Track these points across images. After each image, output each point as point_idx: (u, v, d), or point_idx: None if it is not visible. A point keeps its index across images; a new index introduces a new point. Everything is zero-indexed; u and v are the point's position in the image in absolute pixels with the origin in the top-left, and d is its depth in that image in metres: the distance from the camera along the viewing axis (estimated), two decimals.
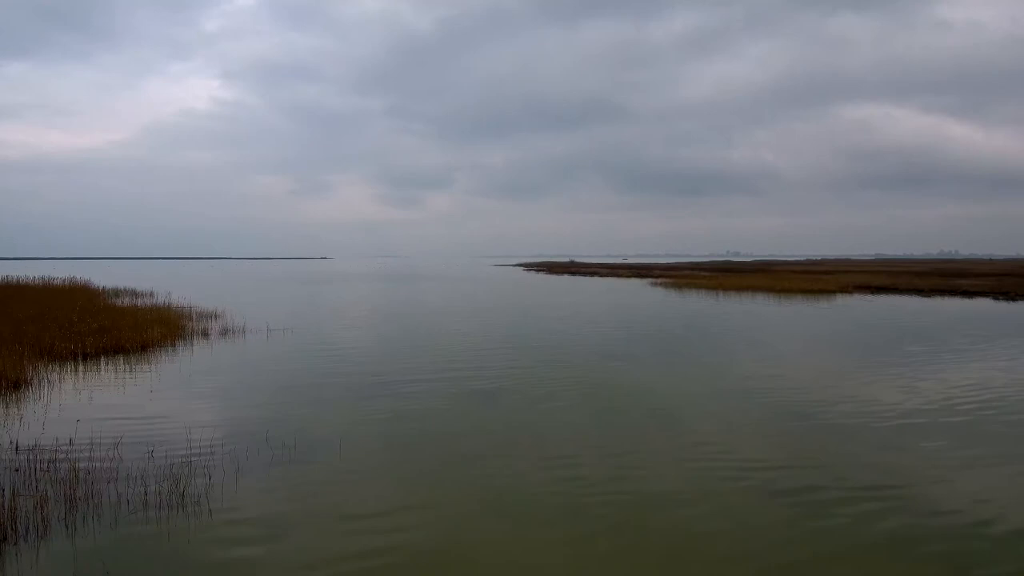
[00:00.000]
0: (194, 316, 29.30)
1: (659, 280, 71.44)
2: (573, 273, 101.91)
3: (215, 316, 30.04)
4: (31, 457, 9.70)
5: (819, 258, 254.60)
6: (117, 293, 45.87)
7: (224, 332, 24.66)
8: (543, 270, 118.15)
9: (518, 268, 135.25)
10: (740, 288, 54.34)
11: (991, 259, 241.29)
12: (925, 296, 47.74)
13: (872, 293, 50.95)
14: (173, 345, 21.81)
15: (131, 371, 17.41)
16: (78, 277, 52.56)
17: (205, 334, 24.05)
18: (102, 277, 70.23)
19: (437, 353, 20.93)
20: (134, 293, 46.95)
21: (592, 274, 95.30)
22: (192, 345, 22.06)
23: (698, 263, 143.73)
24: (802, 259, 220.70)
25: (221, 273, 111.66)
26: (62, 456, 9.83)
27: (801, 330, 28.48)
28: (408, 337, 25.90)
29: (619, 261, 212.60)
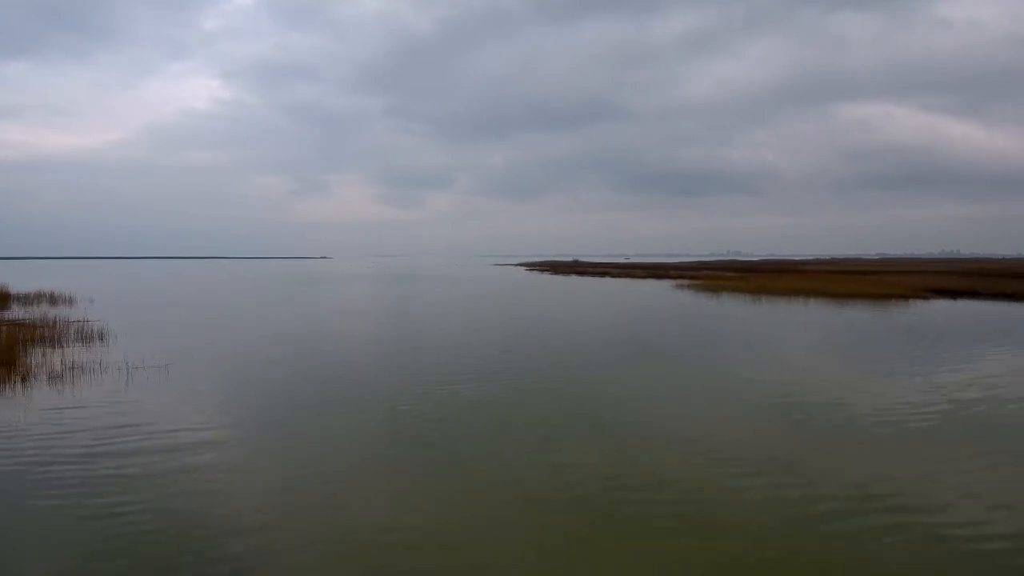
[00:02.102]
0: (59, 340, 20.32)
1: (680, 282, 62.47)
2: (580, 273, 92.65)
3: (91, 340, 21.02)
4: None
5: (827, 257, 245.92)
6: (27, 300, 37.40)
7: (60, 373, 15.38)
8: (547, 270, 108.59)
9: (520, 268, 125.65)
10: (785, 292, 45.55)
11: (1002, 259, 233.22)
12: (1021, 302, 38.91)
13: (952, 298, 42.09)
14: None
15: None
16: None
17: (24, 378, 14.81)
18: (60, 280, 61.95)
19: (401, 445, 11.78)
20: (52, 299, 38.46)
21: (603, 274, 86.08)
22: None
23: (706, 262, 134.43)
24: (810, 258, 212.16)
25: (208, 273, 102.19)
26: None
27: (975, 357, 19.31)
28: (352, 390, 14.89)
29: (620, 260, 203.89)
